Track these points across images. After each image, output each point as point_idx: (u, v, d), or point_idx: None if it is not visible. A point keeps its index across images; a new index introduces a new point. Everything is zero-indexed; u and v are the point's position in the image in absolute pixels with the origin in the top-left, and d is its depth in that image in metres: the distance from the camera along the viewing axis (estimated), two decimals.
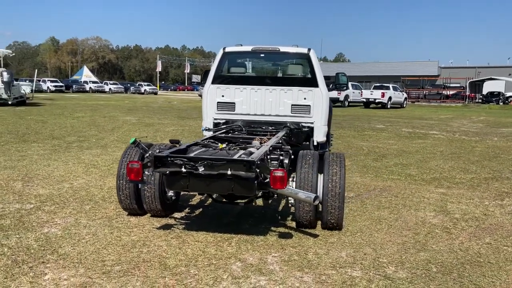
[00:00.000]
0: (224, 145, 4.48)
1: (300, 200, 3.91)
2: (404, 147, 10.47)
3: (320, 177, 4.28)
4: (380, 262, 3.62)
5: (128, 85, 60.08)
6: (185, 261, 3.54)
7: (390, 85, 32.02)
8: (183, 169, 3.64)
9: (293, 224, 4.50)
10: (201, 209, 5.11)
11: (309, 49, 6.52)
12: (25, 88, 24.71)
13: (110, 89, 54.54)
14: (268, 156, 3.97)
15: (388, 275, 3.38)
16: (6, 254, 3.60)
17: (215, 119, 6.75)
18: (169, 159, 3.69)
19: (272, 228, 4.43)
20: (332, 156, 4.37)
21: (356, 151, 9.76)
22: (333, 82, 7.75)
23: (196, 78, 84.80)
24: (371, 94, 30.46)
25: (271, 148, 4.20)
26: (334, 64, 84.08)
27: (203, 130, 6.29)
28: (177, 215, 4.80)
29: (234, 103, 6.63)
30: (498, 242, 4.20)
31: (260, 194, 4.36)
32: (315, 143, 6.57)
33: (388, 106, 30.34)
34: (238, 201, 4.63)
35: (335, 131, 13.79)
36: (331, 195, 4.15)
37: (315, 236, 4.21)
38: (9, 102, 22.73)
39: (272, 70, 7.21)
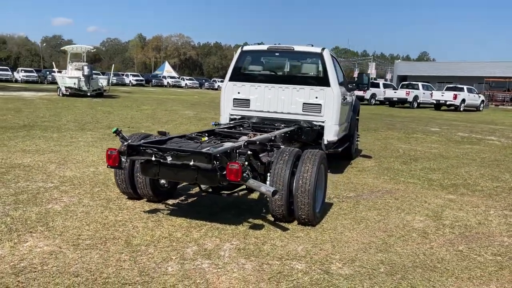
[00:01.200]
0: (206, 139, 4.79)
1: (261, 193, 4.10)
2: (445, 152, 10.05)
3: None
4: (331, 259, 3.72)
5: (203, 80, 62.39)
6: (148, 241, 3.90)
7: (465, 87, 30.18)
8: (153, 158, 4.00)
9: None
10: (195, 198, 5.45)
11: (322, 49, 6.60)
12: (103, 81, 26.77)
13: (186, 84, 57.08)
14: (238, 151, 4.19)
15: (329, 270, 3.48)
16: (6, 223, 4.19)
17: (231, 114, 7.07)
18: (141, 148, 4.07)
19: (250, 220, 4.65)
20: (308, 154, 4.49)
21: (390, 153, 9.56)
22: (355, 82, 7.75)
23: None
24: (442, 95, 28.96)
25: (246, 143, 4.41)
26: (415, 63, 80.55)
27: (212, 124, 6.63)
28: (170, 201, 5.19)
29: (249, 99, 6.90)
30: (472, 250, 4.08)
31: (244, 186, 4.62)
32: (325, 142, 6.65)
33: (461, 109, 28.67)
34: (223, 192, 4.93)
35: (383, 132, 13.53)
36: (300, 191, 4.29)
37: (285, 229, 4.38)
38: (88, 94, 24.85)
39: (287, 69, 7.37)
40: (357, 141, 8.73)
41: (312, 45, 6.76)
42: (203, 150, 3.96)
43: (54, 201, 4.98)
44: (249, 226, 4.43)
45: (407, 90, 30.26)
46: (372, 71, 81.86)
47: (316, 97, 6.59)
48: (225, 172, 3.85)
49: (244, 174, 4.20)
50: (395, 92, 30.75)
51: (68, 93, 24.91)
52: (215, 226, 4.39)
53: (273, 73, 7.07)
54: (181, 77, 63.01)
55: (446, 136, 13.45)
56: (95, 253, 3.60)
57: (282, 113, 6.79)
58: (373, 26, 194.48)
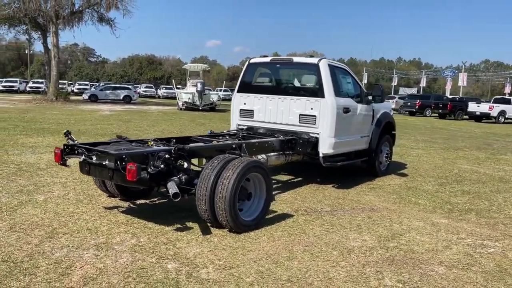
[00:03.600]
0: (152, 143, 5.13)
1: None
2: (510, 175, 8.73)
3: None
4: (211, 263, 3.76)
5: None
6: (71, 231, 4.38)
7: None
8: (82, 157, 4.50)
9: None
10: (166, 200, 5.77)
11: (319, 60, 6.46)
12: (214, 96, 28.81)
13: None
14: (158, 155, 4.44)
15: (192, 273, 3.55)
16: None
17: (238, 125, 7.30)
18: (75, 148, 4.61)
19: (189, 222, 4.83)
20: (235, 161, 4.54)
21: (437, 173, 8.67)
22: (372, 94, 7.36)
23: (403, 90, 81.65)
24: None
25: (175, 148, 4.64)
26: None
27: (208, 132, 6.90)
28: (139, 201, 5.62)
29: (252, 110, 7.06)
30: (377, 274, 3.70)
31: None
32: (321, 155, 6.45)
33: None
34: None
35: (464, 151, 12.27)
36: (219, 197, 4.36)
37: (207, 234, 4.48)
38: (200, 108, 26.99)
39: (287, 80, 7.29)
40: (386, 156, 8.11)
41: (313, 56, 6.65)
42: (110, 151, 4.33)
43: (46, 193, 5.81)
44: (177, 228, 4.64)
45: None
46: None
47: (312, 108, 6.45)
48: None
49: (175, 178, 4.48)
50: None
51: (184, 107, 27.40)
52: (148, 225, 4.70)
53: (274, 85, 7.11)
54: None
55: None
56: (15, 235, 4.20)
57: (281, 124, 6.79)
58: None
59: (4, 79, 53.26)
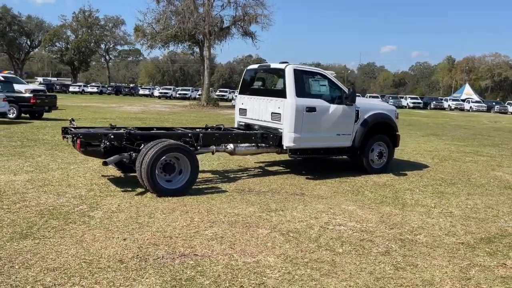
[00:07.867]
0: (123, 129, 6.92)
1: None
2: None
3: None
4: (107, 209, 5.41)
5: (493, 103, 55.73)
6: (59, 184, 6.49)
7: None
8: (70, 136, 6.59)
9: None
10: None
11: (287, 65, 7.46)
12: None
13: (470, 107, 52.88)
14: (107, 135, 6.24)
15: (87, 212, 5.26)
16: None
17: (239, 121, 8.70)
18: (67, 130, 6.72)
19: (139, 189, 6.52)
20: (158, 143, 6.08)
21: (449, 176, 8.54)
22: (347, 95, 7.92)
23: None
24: None
25: (127, 132, 6.38)
26: None
27: (205, 125, 8.40)
28: (133, 174, 7.49)
29: (246, 109, 8.39)
30: (197, 226, 4.83)
31: None
32: (284, 148, 7.45)
33: None
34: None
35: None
36: (142, 168, 5.98)
37: (140, 195, 6.12)
38: None
39: (266, 83, 8.21)
40: (378, 156, 8.35)
41: (287, 62, 7.64)
42: (73, 130, 6.30)
43: (80, 164, 8.12)
44: (125, 190, 6.37)
45: None
46: None
47: (279, 107, 7.49)
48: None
49: (125, 154, 6.29)
50: None
51: None
52: (110, 187, 6.56)
53: (259, 87, 8.25)
54: (467, 99, 58.48)
55: None
56: (25, 183, 6.47)
57: (261, 120, 7.96)
58: None
59: (180, 88, 62.57)
